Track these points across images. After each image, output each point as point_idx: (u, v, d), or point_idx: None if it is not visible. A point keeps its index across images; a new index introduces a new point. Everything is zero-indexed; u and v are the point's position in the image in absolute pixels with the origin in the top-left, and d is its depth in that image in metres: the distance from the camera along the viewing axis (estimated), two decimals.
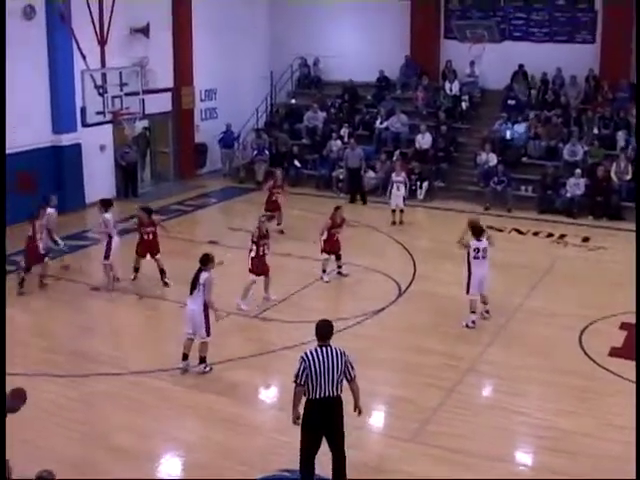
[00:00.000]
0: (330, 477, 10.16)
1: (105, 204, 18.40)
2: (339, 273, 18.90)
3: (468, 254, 15.80)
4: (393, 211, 23.33)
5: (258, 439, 11.74)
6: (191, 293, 13.70)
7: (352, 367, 10.04)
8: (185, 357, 13.77)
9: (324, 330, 10.15)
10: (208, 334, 13.74)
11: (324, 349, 9.91)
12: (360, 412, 10.40)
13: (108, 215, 18.15)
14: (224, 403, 12.78)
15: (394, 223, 23.20)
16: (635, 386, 12.65)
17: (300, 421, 10.00)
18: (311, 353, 9.87)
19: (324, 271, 18.58)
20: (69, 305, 17.41)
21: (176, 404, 12.78)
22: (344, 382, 9.99)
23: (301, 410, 9.97)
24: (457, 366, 14.05)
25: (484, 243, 15.81)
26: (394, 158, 26.59)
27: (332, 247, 18.63)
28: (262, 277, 17.10)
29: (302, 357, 9.88)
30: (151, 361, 14.22)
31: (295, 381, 9.86)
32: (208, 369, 13.84)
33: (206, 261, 13.83)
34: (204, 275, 13.64)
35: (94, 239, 21.71)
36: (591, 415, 12.32)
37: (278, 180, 22.53)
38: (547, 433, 11.89)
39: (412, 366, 14.12)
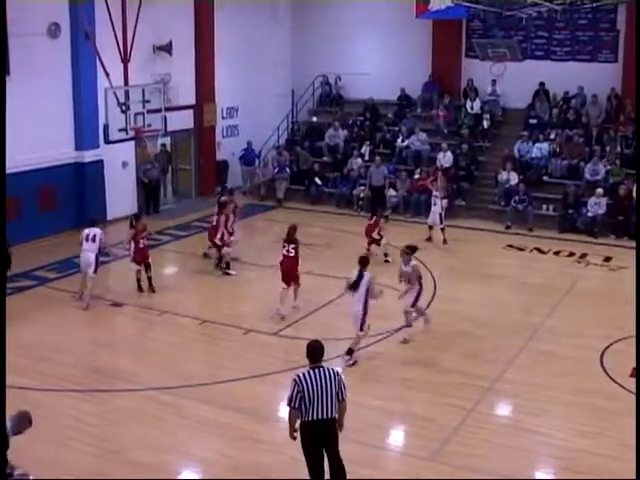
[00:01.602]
0: None
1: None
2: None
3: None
4: (430, 227, 23.39)
5: (276, 457, 11.71)
6: (354, 292, 14.80)
7: (344, 387, 10.01)
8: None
9: (317, 351, 10.07)
10: (362, 329, 14.84)
11: (317, 371, 9.86)
12: (341, 429, 10.23)
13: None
14: (242, 420, 12.75)
15: (429, 239, 23.19)
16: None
17: (297, 439, 9.98)
18: (304, 376, 9.82)
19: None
20: (90, 321, 17.48)
21: (194, 420, 12.78)
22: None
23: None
24: (477, 385, 13.99)
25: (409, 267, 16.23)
26: (416, 176, 26.64)
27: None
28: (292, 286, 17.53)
29: (295, 380, 9.81)
30: (169, 377, 14.25)
31: (289, 404, 9.82)
32: (352, 362, 14.72)
33: (365, 262, 14.91)
34: (366, 276, 14.69)
35: (115, 255, 21.82)
36: (611, 436, 12.23)
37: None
38: (566, 454, 11.82)
39: (432, 385, 14.07)
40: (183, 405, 13.21)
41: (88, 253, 18.12)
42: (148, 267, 18.85)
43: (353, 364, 14.70)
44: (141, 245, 18.80)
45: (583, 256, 22.03)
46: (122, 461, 11.44)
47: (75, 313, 17.87)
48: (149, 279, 18.86)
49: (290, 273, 17.35)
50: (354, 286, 14.73)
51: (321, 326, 16.84)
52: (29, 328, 16.45)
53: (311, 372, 9.85)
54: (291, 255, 17.37)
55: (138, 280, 18.88)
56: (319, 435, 9.91)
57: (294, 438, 10.00)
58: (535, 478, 11.51)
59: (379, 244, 21.38)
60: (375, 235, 21.44)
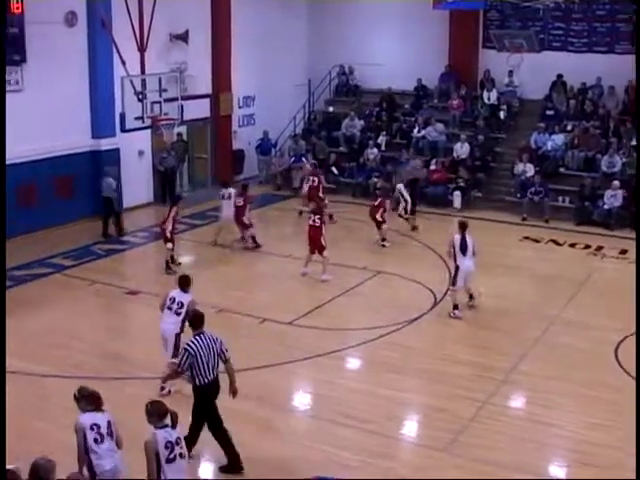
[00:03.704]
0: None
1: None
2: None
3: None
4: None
5: (290, 446, 11.77)
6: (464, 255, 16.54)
7: (226, 349, 10.91)
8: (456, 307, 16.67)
9: (200, 318, 11.02)
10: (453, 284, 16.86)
11: (203, 336, 10.75)
12: (235, 393, 11.08)
13: None
14: (256, 408, 12.78)
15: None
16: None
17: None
18: (194, 343, 10.64)
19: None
20: (105, 308, 17.58)
21: None
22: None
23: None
24: (491, 377, 14.00)
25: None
26: (432, 166, 26.61)
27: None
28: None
29: (187, 349, 10.62)
30: None
31: (179, 371, 10.85)
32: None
33: (464, 226, 16.88)
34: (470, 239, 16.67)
35: (132, 243, 21.97)
36: (624, 429, 12.18)
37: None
38: (579, 446, 11.84)
39: (446, 376, 14.08)
40: None
41: (226, 211, 21.38)
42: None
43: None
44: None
45: (599, 249, 21.95)
46: (137, 449, 11.45)
47: (91, 301, 18.00)
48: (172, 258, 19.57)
49: (316, 241, 18.92)
50: (464, 249, 16.51)
51: (336, 316, 16.91)
52: (45, 315, 16.55)
53: (198, 338, 10.70)
54: (317, 225, 19.04)
55: (169, 260, 19.45)
56: (210, 395, 10.81)
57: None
58: (548, 471, 11.52)
59: (381, 227, 21.66)
60: (379, 217, 21.55)
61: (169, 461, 8.74)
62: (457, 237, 16.76)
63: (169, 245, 19.45)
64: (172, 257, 19.57)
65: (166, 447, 8.74)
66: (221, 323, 15.24)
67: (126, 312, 17.57)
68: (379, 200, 21.95)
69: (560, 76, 28.07)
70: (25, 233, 21.58)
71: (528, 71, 27.72)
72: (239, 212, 21.42)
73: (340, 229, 22.91)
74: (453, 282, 16.96)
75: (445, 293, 17.91)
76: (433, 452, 11.62)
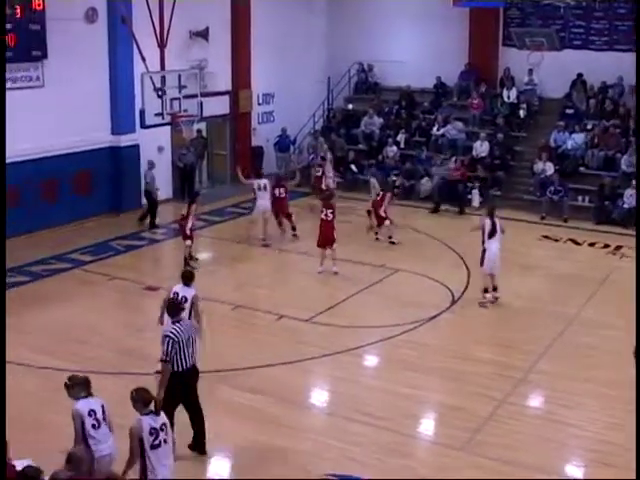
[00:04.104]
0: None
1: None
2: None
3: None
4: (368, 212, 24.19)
5: (306, 442, 11.76)
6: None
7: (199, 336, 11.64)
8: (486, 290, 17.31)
9: (176, 306, 11.41)
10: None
11: (181, 324, 11.04)
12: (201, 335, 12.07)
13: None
14: (273, 406, 12.81)
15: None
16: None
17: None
18: (176, 330, 10.84)
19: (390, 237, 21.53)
20: (123, 304, 17.62)
21: (224, 405, 12.85)
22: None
23: None
24: (509, 376, 13.95)
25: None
26: (450, 165, 26.55)
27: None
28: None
29: (169, 336, 10.77)
30: (202, 362, 14.23)
31: (165, 359, 10.75)
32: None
33: (493, 209, 17.62)
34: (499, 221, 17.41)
35: (150, 239, 22.02)
36: None
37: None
38: (598, 446, 11.77)
39: (464, 375, 14.04)
40: (214, 390, 13.24)
41: (264, 201, 21.46)
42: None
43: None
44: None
45: (618, 248, 21.81)
46: None
47: (109, 296, 18.06)
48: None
49: (329, 235, 19.24)
50: (493, 233, 17.11)
51: (354, 314, 16.89)
52: (63, 310, 16.61)
53: (178, 325, 10.95)
54: (329, 219, 19.33)
55: (187, 257, 19.55)
56: (187, 382, 11.05)
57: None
58: (566, 471, 11.46)
59: (383, 223, 21.67)
60: (382, 212, 21.60)
61: (154, 447, 8.88)
62: (488, 222, 17.35)
63: (188, 242, 19.47)
64: (190, 254, 19.59)
65: (151, 433, 8.88)
66: (238, 320, 15.29)
67: (144, 308, 17.56)
68: (381, 194, 21.98)
69: (580, 75, 27.90)
70: (45, 228, 21.69)
71: (548, 69, 27.60)
72: (281, 203, 22.16)
73: (357, 227, 22.87)
74: (481, 263, 17.48)
75: (463, 292, 17.93)
76: (450, 451, 11.58)
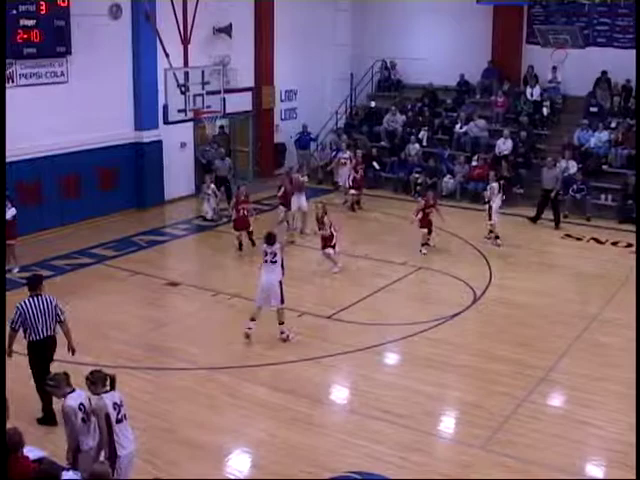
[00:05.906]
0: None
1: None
2: (426, 244, 20.80)
3: None
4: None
5: (327, 439, 11.78)
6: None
7: (62, 311, 12.00)
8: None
9: (34, 281, 12.07)
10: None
11: (36, 298, 11.78)
12: (73, 352, 12.14)
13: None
14: (293, 402, 12.84)
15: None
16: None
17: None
18: (25, 302, 11.72)
19: (423, 245, 20.72)
20: (145, 299, 17.69)
21: (245, 400, 12.90)
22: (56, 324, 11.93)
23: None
24: (530, 375, 13.91)
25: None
26: (473, 163, 26.49)
27: (426, 224, 20.83)
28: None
29: (17, 307, 11.66)
30: (222, 357, 14.39)
31: (12, 327, 11.66)
32: None
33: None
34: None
35: (173, 234, 22.09)
36: None
37: (241, 196, 21.09)
38: (619, 447, 11.70)
39: (485, 373, 14.03)
40: (234, 385, 13.32)
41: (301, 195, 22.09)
42: (250, 233, 20.65)
43: None
44: (240, 214, 20.53)
45: None
46: (172, 439, 11.58)
47: (131, 291, 18.14)
48: (252, 242, 20.57)
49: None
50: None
51: (375, 311, 16.91)
52: (86, 305, 16.69)
53: (31, 299, 11.76)
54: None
55: (239, 243, 20.68)
56: (43, 351, 11.79)
57: (11, 355, 11.73)
58: (586, 471, 11.42)
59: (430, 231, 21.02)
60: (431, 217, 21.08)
61: (118, 421, 9.17)
62: (495, 185, 21.44)
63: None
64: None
65: (114, 408, 9.13)
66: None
67: (166, 303, 17.66)
68: (426, 196, 21.43)
69: (604, 72, 27.75)
70: (67, 224, 21.83)
71: (572, 67, 27.52)
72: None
73: (379, 224, 22.87)
74: (489, 217, 21.23)
75: (485, 290, 17.92)
76: (469, 449, 11.57)
